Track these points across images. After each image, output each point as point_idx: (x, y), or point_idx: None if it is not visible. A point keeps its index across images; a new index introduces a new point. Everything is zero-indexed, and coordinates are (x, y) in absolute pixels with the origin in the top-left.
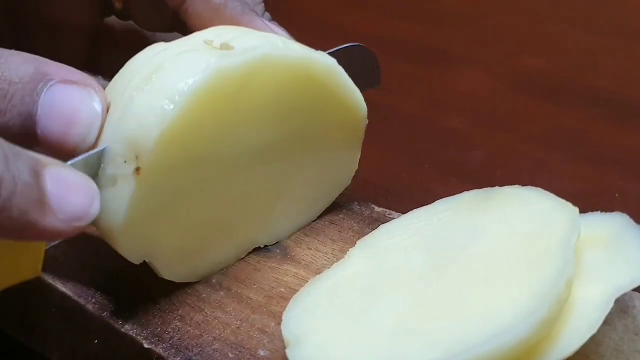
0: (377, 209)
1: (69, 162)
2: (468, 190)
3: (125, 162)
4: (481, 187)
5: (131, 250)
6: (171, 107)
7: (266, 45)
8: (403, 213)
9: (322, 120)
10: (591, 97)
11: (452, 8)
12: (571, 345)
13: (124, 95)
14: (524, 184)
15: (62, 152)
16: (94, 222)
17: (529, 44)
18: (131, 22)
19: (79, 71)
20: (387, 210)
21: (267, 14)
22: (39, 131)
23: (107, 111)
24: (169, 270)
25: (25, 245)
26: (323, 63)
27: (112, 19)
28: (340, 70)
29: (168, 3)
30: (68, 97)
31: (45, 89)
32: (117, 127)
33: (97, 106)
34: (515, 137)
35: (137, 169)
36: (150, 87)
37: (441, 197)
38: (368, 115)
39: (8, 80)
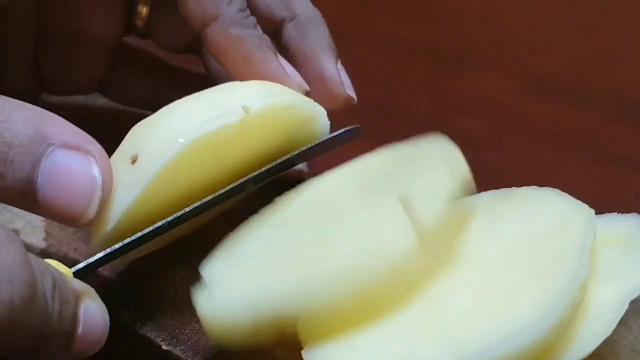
0: None
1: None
2: (483, 191)
3: None
4: (496, 188)
5: None
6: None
7: None
8: None
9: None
10: (605, 99)
11: (466, 10)
12: (586, 346)
13: None
14: (539, 185)
15: (65, 220)
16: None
17: (543, 46)
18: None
19: (81, 132)
20: None
21: None
22: (40, 198)
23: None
24: None
25: None
26: (309, 112)
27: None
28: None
29: (191, 23)
30: (68, 165)
31: (46, 155)
32: None
33: (97, 175)
34: (530, 138)
35: None
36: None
37: None
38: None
39: (8, 144)
